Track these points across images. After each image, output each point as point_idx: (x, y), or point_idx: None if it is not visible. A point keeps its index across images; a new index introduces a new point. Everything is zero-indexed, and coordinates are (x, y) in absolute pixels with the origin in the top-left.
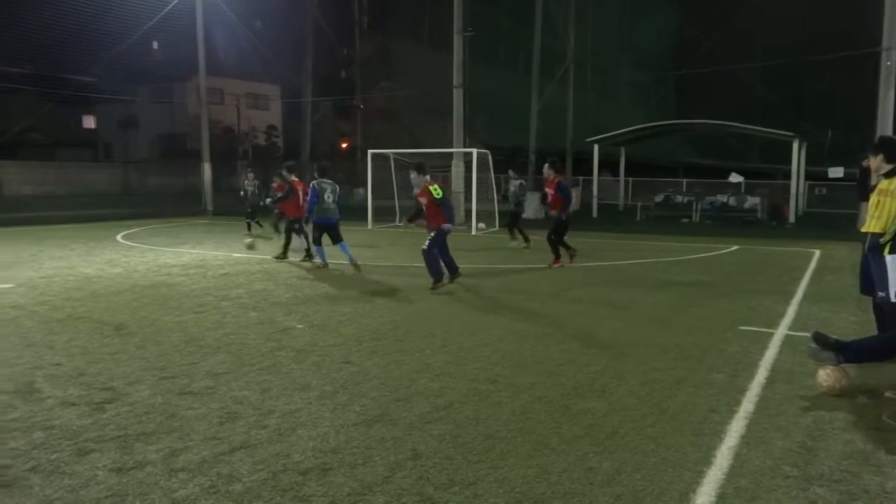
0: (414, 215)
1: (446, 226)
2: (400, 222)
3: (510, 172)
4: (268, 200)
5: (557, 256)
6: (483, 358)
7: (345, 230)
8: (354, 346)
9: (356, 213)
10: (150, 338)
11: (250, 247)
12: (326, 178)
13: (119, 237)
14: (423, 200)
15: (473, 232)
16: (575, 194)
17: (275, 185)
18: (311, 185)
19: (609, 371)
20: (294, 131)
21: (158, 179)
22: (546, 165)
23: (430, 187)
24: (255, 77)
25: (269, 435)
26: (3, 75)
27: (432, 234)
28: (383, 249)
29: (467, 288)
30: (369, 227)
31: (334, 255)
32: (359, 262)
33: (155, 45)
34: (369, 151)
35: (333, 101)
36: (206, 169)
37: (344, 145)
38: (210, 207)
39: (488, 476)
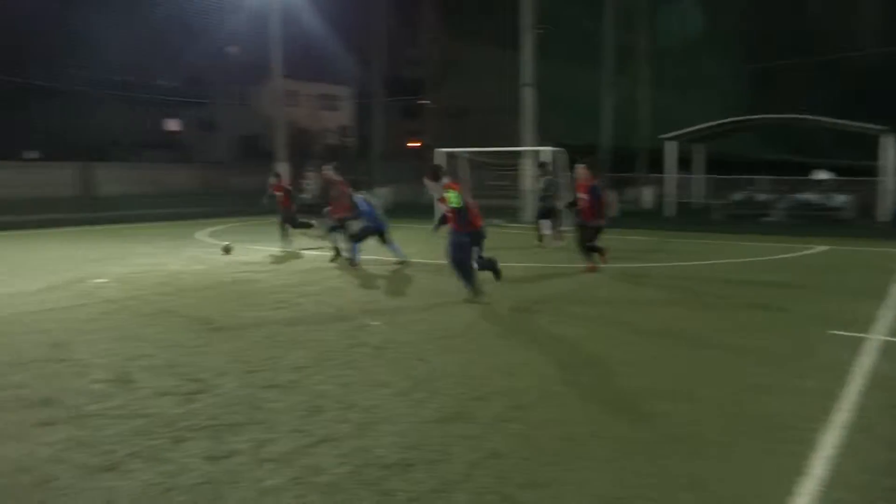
0: (440, 223)
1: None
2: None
3: (542, 170)
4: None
5: (601, 252)
6: (559, 358)
7: (414, 229)
8: (429, 343)
9: (425, 211)
10: (234, 332)
11: (227, 250)
12: (365, 193)
13: (201, 235)
14: (444, 207)
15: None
16: (651, 192)
17: (272, 184)
18: (361, 199)
19: (691, 374)
20: (364, 131)
21: (237, 179)
22: (580, 166)
23: (448, 193)
24: (326, 78)
25: (351, 429)
26: (96, 82)
27: (457, 241)
28: None
29: (539, 289)
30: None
31: (370, 252)
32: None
33: (232, 49)
34: (436, 150)
35: (403, 101)
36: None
37: (413, 144)
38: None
39: (567, 477)
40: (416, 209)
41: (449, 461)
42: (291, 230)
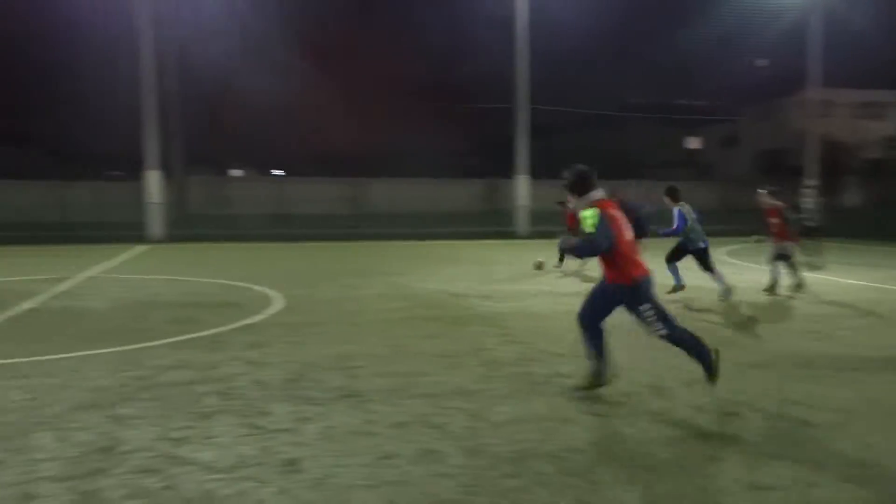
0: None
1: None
2: None
3: None
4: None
5: None
6: None
7: None
8: None
9: None
10: (763, 357)
11: (538, 266)
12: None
13: (719, 253)
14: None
15: None
16: None
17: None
18: (677, 210)
19: None
20: None
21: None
22: None
23: (585, 213)
24: (870, 84)
25: None
26: (633, 106)
27: (644, 305)
28: None
29: None
30: None
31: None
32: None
33: (761, 62)
34: None
35: None
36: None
37: None
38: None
39: None
40: None
41: None
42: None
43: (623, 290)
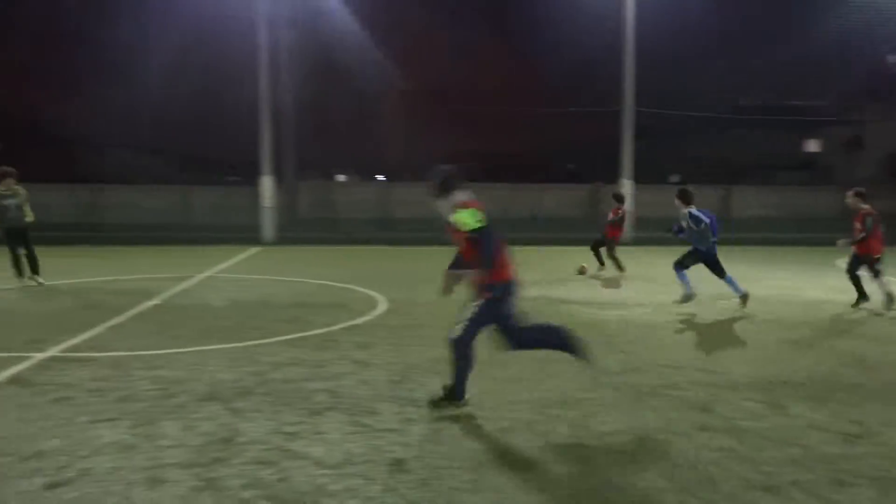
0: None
1: (498, 283)
2: None
3: None
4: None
5: None
6: None
7: None
8: None
9: None
10: (886, 379)
11: (581, 272)
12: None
13: (842, 263)
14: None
15: None
16: None
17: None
18: (692, 210)
19: None
20: None
21: (885, 203)
22: None
23: (460, 215)
24: None
25: None
26: (745, 108)
27: (479, 303)
28: None
29: None
30: None
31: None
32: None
33: (892, 58)
34: None
35: None
36: None
37: None
38: None
39: None
40: None
41: None
42: None
43: (505, 287)
